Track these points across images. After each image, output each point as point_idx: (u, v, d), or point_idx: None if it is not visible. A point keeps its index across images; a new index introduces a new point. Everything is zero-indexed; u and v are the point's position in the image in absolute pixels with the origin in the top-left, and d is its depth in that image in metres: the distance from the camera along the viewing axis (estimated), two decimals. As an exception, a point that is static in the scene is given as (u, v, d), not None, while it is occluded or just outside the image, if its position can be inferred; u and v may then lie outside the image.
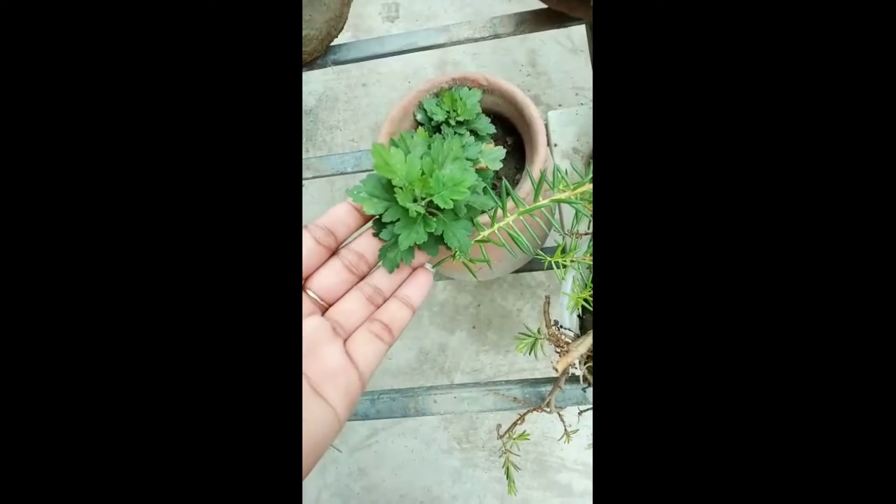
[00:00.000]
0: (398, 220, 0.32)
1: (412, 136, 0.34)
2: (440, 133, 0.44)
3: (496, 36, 0.67)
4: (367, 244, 0.33)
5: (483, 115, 0.45)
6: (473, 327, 0.95)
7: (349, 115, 1.08)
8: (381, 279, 0.33)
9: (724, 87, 0.22)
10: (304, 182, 0.97)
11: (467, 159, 0.42)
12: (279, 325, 0.23)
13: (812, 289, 0.21)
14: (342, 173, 0.66)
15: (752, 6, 0.22)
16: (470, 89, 0.45)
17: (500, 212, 0.38)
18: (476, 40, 0.67)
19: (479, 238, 0.39)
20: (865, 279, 0.20)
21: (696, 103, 0.22)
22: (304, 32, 0.60)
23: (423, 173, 0.32)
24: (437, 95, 0.46)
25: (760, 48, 0.21)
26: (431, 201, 0.32)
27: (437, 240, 0.33)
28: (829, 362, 0.20)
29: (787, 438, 0.20)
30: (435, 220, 0.33)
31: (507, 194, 0.37)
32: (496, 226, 0.38)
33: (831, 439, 0.20)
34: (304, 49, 0.63)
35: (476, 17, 1.08)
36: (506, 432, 0.50)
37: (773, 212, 0.21)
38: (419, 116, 0.46)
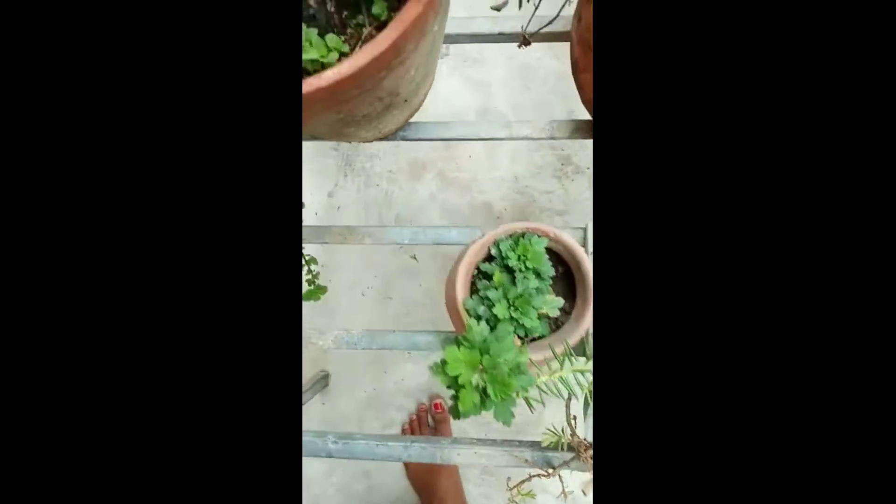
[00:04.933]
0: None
1: (472, 330, 0.43)
2: (511, 273, 0.53)
3: (552, 137, 0.74)
4: None
5: (546, 260, 0.54)
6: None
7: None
8: None
9: (728, 115, 0.21)
10: (362, 245, 1.02)
11: (532, 307, 0.51)
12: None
13: (807, 332, 0.20)
14: (399, 244, 0.73)
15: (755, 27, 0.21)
16: (539, 237, 0.54)
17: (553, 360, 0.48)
18: (533, 139, 0.74)
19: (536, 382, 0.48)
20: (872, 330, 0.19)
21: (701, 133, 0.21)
22: (384, 129, 0.66)
23: (482, 367, 0.42)
24: (510, 237, 0.54)
25: (764, 76, 0.21)
26: None
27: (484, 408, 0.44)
28: (825, 394, 0.20)
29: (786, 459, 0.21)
30: (488, 400, 0.43)
31: (568, 357, 0.46)
32: (551, 375, 0.48)
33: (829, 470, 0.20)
34: (381, 132, 0.69)
35: (530, 105, 1.13)
36: (515, 486, 0.61)
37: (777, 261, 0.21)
38: (493, 251, 0.54)
